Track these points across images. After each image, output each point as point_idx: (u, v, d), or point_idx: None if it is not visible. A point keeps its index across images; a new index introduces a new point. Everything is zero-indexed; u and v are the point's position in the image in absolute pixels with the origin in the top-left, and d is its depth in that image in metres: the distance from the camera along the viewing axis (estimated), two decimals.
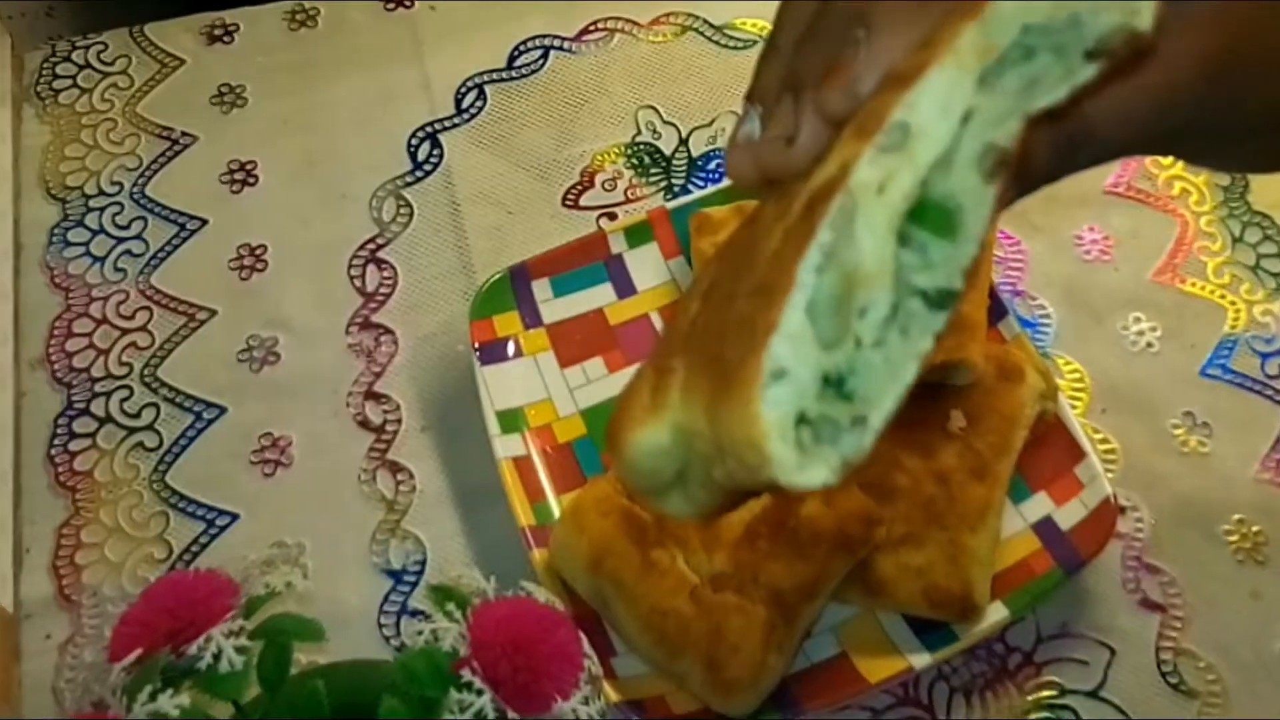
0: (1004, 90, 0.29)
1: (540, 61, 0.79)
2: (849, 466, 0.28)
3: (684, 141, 0.76)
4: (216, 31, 0.81)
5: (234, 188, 0.75)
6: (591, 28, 0.80)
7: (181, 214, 0.74)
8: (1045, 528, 0.60)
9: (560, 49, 0.80)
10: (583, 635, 0.43)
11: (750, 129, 0.35)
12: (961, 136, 0.29)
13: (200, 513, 0.64)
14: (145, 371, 0.68)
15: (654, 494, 0.33)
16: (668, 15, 0.81)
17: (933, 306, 0.29)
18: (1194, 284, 0.70)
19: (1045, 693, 0.59)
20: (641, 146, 0.76)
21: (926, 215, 0.29)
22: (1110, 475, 0.62)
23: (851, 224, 0.28)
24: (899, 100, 0.28)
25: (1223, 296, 0.70)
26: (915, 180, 0.28)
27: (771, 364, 0.27)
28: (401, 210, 0.74)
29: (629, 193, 0.74)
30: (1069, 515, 0.60)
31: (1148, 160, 0.75)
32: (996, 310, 0.64)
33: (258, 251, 0.72)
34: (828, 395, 0.28)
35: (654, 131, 0.76)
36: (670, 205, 0.69)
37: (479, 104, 0.78)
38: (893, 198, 0.28)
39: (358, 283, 0.71)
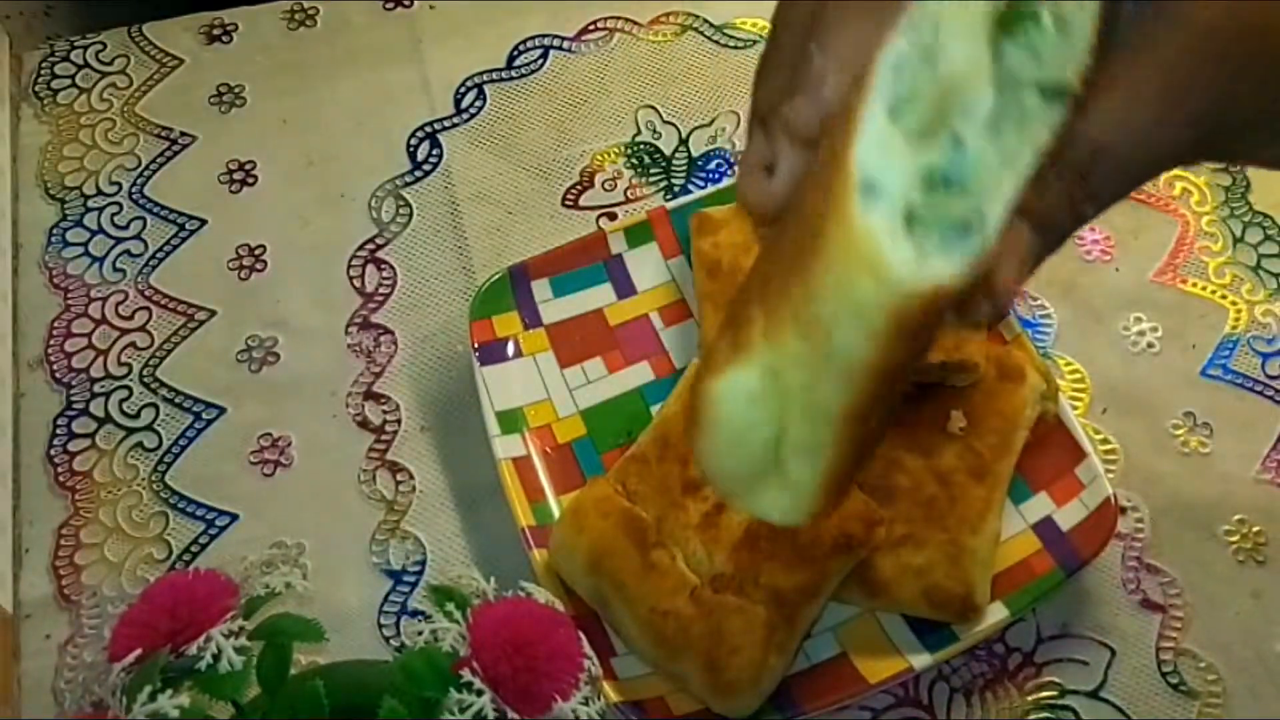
0: None
1: (540, 61, 0.79)
2: (974, 261, 0.26)
3: (684, 141, 0.76)
4: (215, 31, 0.81)
5: (233, 188, 0.75)
6: (591, 27, 0.80)
7: (180, 214, 0.74)
8: (1046, 528, 0.60)
9: (560, 48, 0.80)
10: (583, 635, 0.43)
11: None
12: None
13: (200, 513, 0.64)
14: (144, 372, 0.68)
15: (747, 484, 0.31)
16: (668, 15, 0.81)
17: (1048, 99, 0.28)
18: (1195, 284, 0.70)
19: (1045, 693, 0.59)
20: (641, 146, 0.76)
21: (1026, 17, 0.28)
22: (1111, 475, 0.62)
23: (935, 29, 0.27)
24: None
25: (1224, 297, 0.70)
26: None
27: (861, 173, 0.26)
28: (401, 210, 0.74)
29: (629, 193, 0.74)
30: (1069, 515, 0.60)
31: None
32: None
33: (257, 251, 0.72)
34: (935, 192, 0.27)
35: (654, 131, 0.76)
36: (670, 205, 0.69)
37: (478, 104, 0.78)
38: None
39: (357, 283, 0.71)
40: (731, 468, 0.31)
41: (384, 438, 0.66)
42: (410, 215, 0.73)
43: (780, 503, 0.31)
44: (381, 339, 0.69)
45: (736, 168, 0.37)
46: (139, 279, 0.71)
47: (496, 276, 0.67)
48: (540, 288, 0.67)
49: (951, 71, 0.27)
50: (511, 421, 0.63)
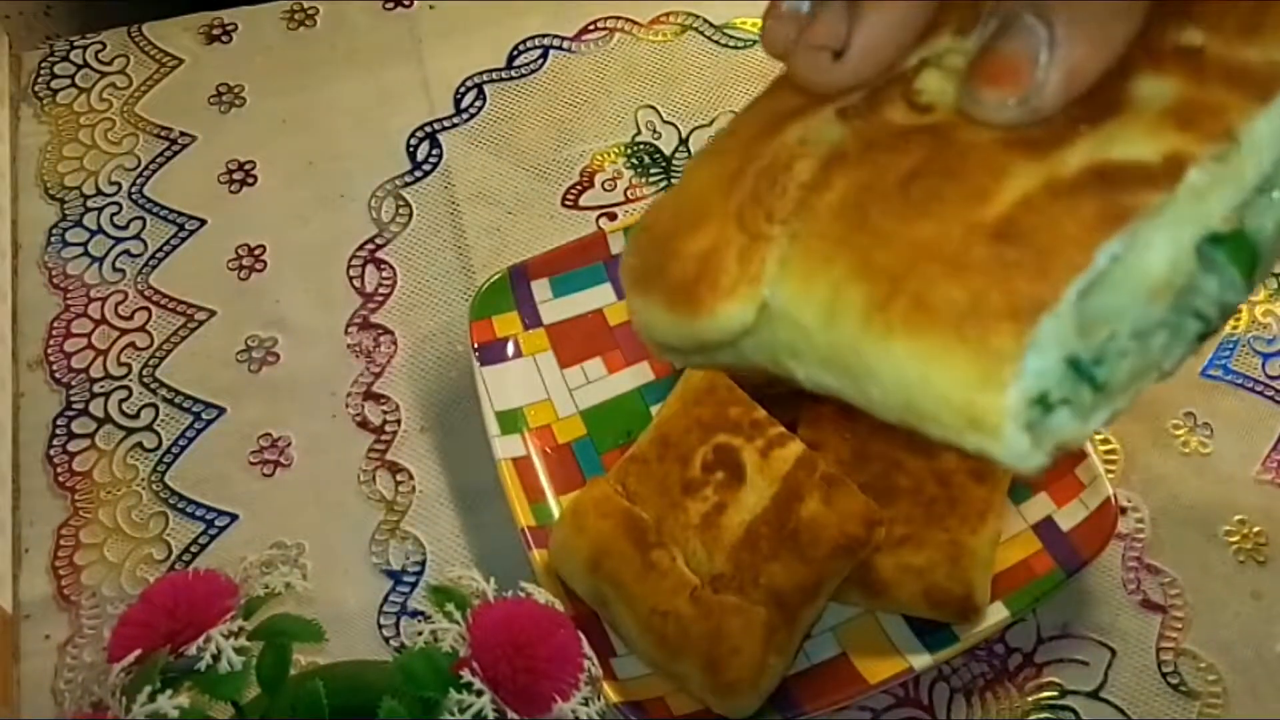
0: None
1: (540, 61, 0.79)
2: (1060, 451, 0.26)
3: (684, 141, 0.76)
4: (215, 31, 0.81)
5: (233, 187, 0.75)
6: (591, 27, 0.80)
7: (180, 214, 0.74)
8: (1046, 528, 0.60)
9: (560, 48, 0.80)
10: (583, 636, 0.43)
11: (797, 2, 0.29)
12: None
13: (199, 513, 0.64)
14: (144, 372, 0.68)
15: (678, 354, 0.30)
16: (668, 15, 0.81)
17: (1199, 328, 0.27)
18: None
19: (1046, 693, 0.59)
20: (641, 146, 0.76)
21: (1225, 242, 0.26)
22: (1111, 476, 0.62)
23: (1157, 226, 0.25)
24: (1248, 108, 0.25)
25: None
26: (1238, 200, 0.25)
27: (1026, 341, 0.24)
28: (401, 210, 0.74)
29: (629, 193, 0.74)
30: (1069, 516, 0.60)
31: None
32: None
33: (256, 251, 0.72)
34: (1070, 378, 0.25)
35: (654, 131, 0.76)
36: None
37: (478, 104, 0.78)
38: (1211, 210, 0.25)
39: (357, 283, 0.71)
40: (677, 345, 0.30)
41: (384, 438, 0.66)
42: (410, 215, 0.73)
43: (698, 365, 0.30)
44: (381, 339, 0.69)
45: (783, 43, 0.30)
46: (139, 279, 0.71)
47: (496, 276, 0.67)
48: (540, 288, 0.67)
49: (1148, 274, 0.25)
50: (511, 421, 0.63)
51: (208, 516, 0.64)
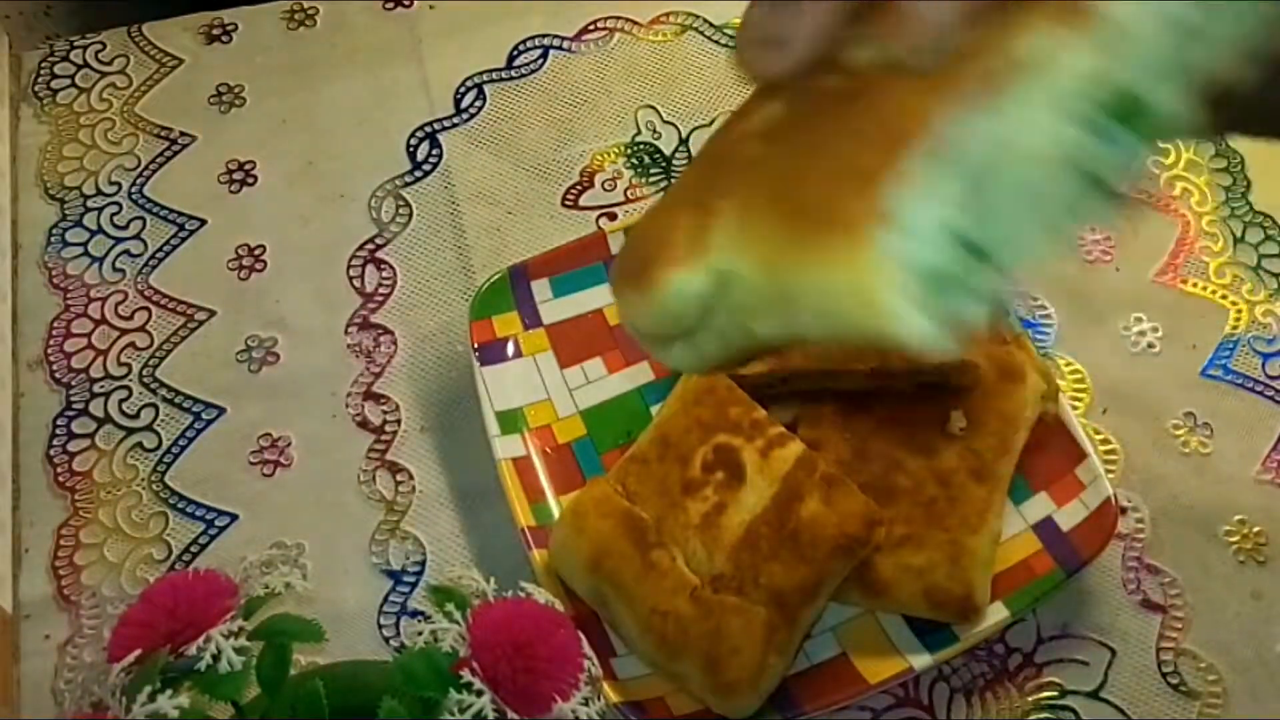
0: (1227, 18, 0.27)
1: (540, 61, 0.79)
2: (960, 326, 0.27)
3: (684, 141, 0.76)
4: (215, 31, 0.81)
5: (233, 188, 0.75)
6: (591, 27, 0.80)
7: (180, 214, 0.74)
8: (1046, 528, 0.60)
9: (560, 48, 0.80)
10: (583, 636, 0.43)
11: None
12: (1176, 51, 0.27)
13: (199, 513, 0.64)
14: (144, 372, 0.68)
15: (659, 342, 0.33)
16: (668, 15, 0.81)
17: (1093, 193, 0.27)
18: (1195, 284, 0.70)
19: (1046, 693, 0.59)
20: (641, 146, 0.76)
21: (1113, 104, 0.27)
22: (1111, 476, 0.62)
23: (1026, 98, 0.26)
24: None
25: (1224, 297, 0.70)
26: (1123, 73, 0.27)
27: (886, 206, 0.26)
28: (400, 210, 0.74)
29: (629, 193, 0.74)
30: (1070, 516, 0.60)
31: (1149, 160, 0.74)
32: None
33: (256, 251, 0.72)
34: (959, 255, 0.27)
35: (654, 131, 0.76)
36: None
37: (478, 104, 0.78)
38: (1088, 85, 0.27)
39: (357, 283, 0.71)
40: (651, 329, 0.32)
41: (384, 438, 0.66)
42: (410, 215, 0.73)
43: (685, 359, 0.32)
44: (381, 339, 0.69)
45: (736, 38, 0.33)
46: (139, 279, 0.71)
47: (496, 276, 0.67)
48: (540, 288, 0.67)
49: (1018, 143, 0.27)
50: (511, 421, 0.63)
51: (208, 516, 0.64)
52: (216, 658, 0.39)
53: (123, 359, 0.69)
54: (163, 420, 0.67)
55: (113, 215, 0.74)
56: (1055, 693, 0.59)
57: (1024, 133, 0.26)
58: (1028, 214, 0.27)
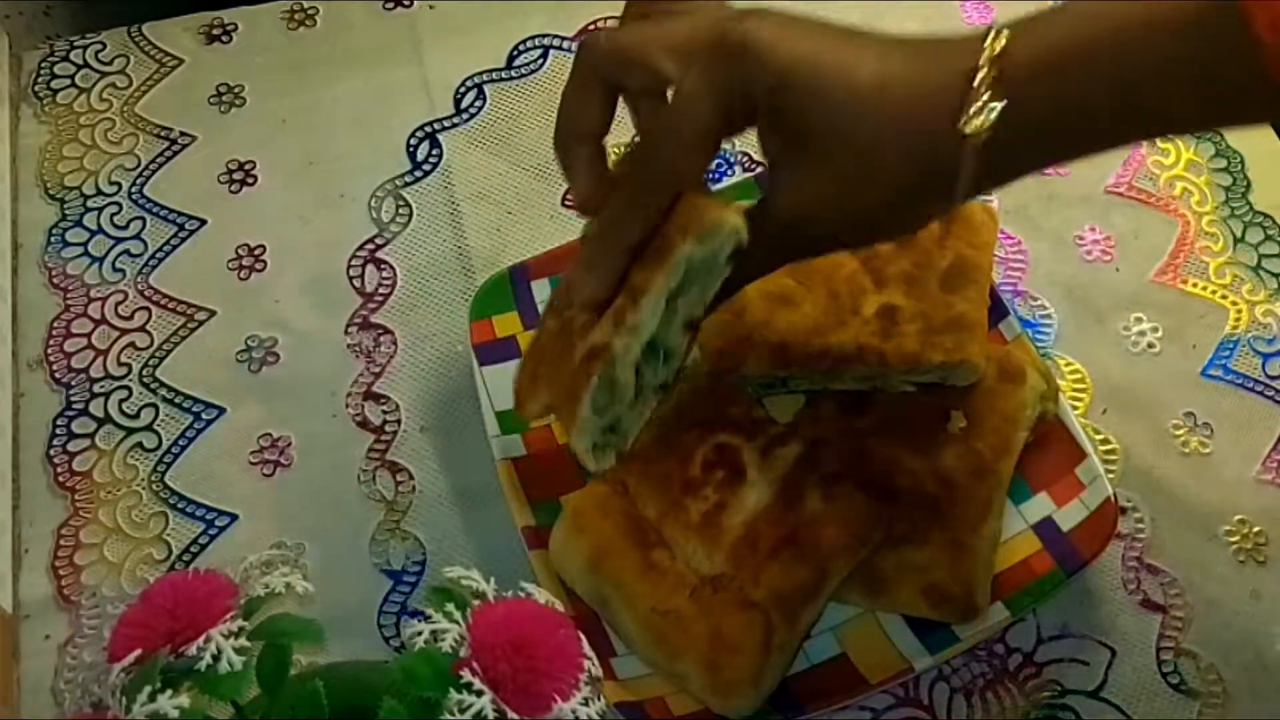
0: (689, 292, 0.49)
1: (540, 61, 0.79)
2: (619, 458, 0.52)
3: None
4: (215, 31, 0.81)
5: (233, 188, 0.75)
6: (591, 27, 0.80)
7: (180, 214, 0.74)
8: (1046, 528, 0.60)
9: (560, 48, 0.80)
10: (583, 636, 0.43)
11: None
12: (672, 315, 0.49)
13: (199, 513, 0.64)
14: (144, 372, 0.68)
15: (594, 453, 0.52)
16: None
17: (658, 391, 0.51)
18: (1195, 284, 0.70)
19: (1046, 693, 0.59)
20: None
21: (656, 351, 0.50)
22: (1111, 476, 0.62)
23: (613, 365, 0.49)
24: (631, 307, 0.48)
25: (1224, 297, 0.70)
26: (640, 345, 0.49)
27: (581, 422, 0.50)
28: (400, 210, 0.74)
29: None
30: (1070, 516, 0.60)
31: (1149, 160, 0.75)
32: (997, 311, 0.64)
33: (256, 251, 0.72)
34: (608, 432, 0.51)
35: None
36: None
37: (478, 103, 0.78)
38: (633, 353, 0.49)
39: (357, 283, 0.71)
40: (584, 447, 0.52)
41: (384, 438, 0.66)
42: (410, 215, 0.73)
43: (604, 461, 0.52)
44: (381, 339, 0.69)
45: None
46: (139, 279, 0.71)
47: (496, 276, 0.67)
48: (540, 288, 0.67)
49: (620, 381, 0.50)
50: (511, 422, 0.63)
51: (208, 516, 0.64)
52: (216, 658, 0.39)
53: (123, 359, 0.69)
54: (163, 420, 0.67)
55: (113, 215, 0.74)
56: (1055, 693, 0.59)
57: (619, 376, 0.50)
58: (629, 408, 0.51)
